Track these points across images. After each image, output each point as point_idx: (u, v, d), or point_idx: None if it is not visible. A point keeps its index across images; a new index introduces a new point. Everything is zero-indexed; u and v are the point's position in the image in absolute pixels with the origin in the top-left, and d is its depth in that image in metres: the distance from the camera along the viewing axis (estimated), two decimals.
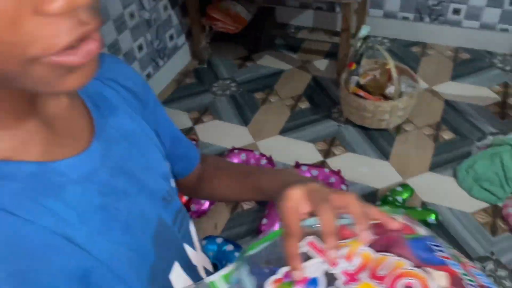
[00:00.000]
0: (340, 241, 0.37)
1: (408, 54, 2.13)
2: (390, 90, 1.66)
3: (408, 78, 1.72)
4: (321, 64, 2.15)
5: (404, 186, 1.44)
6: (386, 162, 1.60)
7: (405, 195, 1.41)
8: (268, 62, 2.21)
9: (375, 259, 0.37)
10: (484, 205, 1.42)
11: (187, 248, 0.49)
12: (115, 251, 0.37)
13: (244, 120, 1.87)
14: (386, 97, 1.71)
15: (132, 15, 1.77)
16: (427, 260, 0.37)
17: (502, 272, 1.24)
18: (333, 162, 1.63)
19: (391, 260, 0.36)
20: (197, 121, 1.89)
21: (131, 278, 0.38)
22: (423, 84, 1.93)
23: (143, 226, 0.42)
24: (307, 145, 1.72)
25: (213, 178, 0.60)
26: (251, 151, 1.61)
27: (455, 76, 1.97)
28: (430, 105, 1.83)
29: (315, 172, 1.49)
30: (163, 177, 0.47)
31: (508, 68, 1.98)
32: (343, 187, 1.44)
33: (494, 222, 1.37)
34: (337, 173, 1.49)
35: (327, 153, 1.67)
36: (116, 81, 0.46)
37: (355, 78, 1.73)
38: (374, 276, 0.36)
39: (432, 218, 1.26)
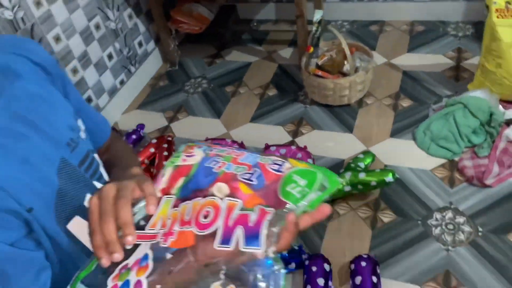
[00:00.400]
0: (154, 216, 0.47)
1: (367, 33, 2.24)
2: (347, 67, 1.76)
3: (363, 53, 1.82)
4: (286, 52, 2.25)
5: (366, 153, 1.54)
6: (350, 135, 1.70)
7: (367, 161, 1.51)
8: (236, 56, 2.31)
9: (180, 211, 0.46)
10: (442, 161, 1.52)
11: (98, 184, 0.61)
12: (10, 176, 0.48)
13: (217, 113, 1.97)
14: (345, 75, 1.81)
15: (98, 27, 1.87)
16: (209, 182, 0.47)
17: (460, 219, 1.34)
18: (302, 141, 1.72)
19: (189, 205, 0.46)
20: (172, 119, 1.99)
21: (29, 197, 0.49)
22: (381, 59, 2.04)
23: (45, 162, 0.53)
24: (277, 128, 1.81)
25: (105, 155, 0.72)
26: (223, 139, 1.71)
27: (412, 48, 2.07)
28: (389, 77, 1.93)
29: (283, 150, 1.59)
30: (69, 128, 0.59)
31: (461, 34, 2.09)
32: (310, 160, 1.53)
33: (452, 175, 1.47)
34: (303, 148, 1.59)
35: (295, 133, 1.77)
36: (26, 56, 0.58)
37: (314, 61, 1.83)
38: (183, 223, 0.45)
39: (389, 177, 1.36)
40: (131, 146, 0.75)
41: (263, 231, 0.42)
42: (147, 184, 0.49)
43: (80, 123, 0.62)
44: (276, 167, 0.48)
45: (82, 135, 0.61)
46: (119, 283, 0.43)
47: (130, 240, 0.44)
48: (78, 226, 0.56)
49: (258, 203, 0.44)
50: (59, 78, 0.62)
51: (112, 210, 0.45)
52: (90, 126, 0.67)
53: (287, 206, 0.44)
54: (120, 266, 0.44)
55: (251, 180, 0.47)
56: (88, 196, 0.58)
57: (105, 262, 0.43)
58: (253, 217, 0.43)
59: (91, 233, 0.45)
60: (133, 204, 0.47)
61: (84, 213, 0.56)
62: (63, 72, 0.65)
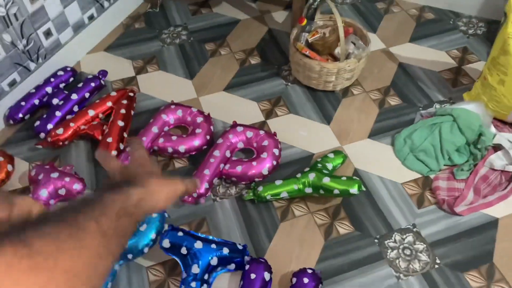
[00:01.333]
0: None
1: (372, 11, 2.02)
2: (338, 51, 1.58)
3: (359, 38, 1.63)
4: (280, 16, 2.03)
5: (337, 152, 1.41)
6: (327, 126, 1.55)
7: (337, 162, 1.38)
8: (225, 10, 2.08)
9: None
10: (416, 176, 1.40)
11: None
12: None
13: (190, 73, 1.78)
14: (336, 59, 1.63)
15: None
16: None
17: (419, 246, 1.24)
18: (274, 123, 1.57)
19: None
20: (140, 70, 1.80)
21: None
22: (379, 44, 1.85)
23: None
24: (251, 104, 1.65)
25: None
26: (189, 107, 1.55)
27: (415, 38, 1.88)
28: (383, 67, 1.76)
29: (250, 133, 1.44)
30: None
31: (471, 31, 1.89)
32: (275, 151, 1.39)
33: (422, 194, 1.36)
34: (273, 135, 1.44)
35: (269, 113, 1.61)
36: None
37: (305, 36, 1.63)
38: None
39: (355, 188, 1.24)
40: None
41: None
42: None
43: None
44: None
45: None
46: None
47: None
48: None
49: None
50: None
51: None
52: None
53: None
54: None
55: None
56: None
57: None
58: None
59: None
60: None
61: None
62: None
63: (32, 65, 1.63)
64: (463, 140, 1.42)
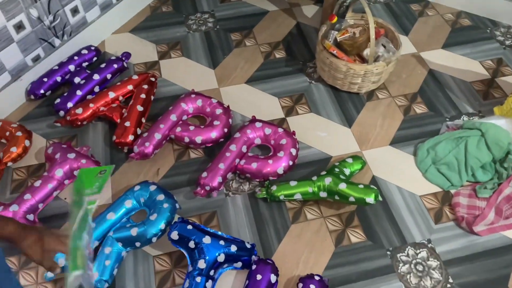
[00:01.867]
0: None
1: (406, 12, 1.95)
2: (367, 52, 1.53)
3: (390, 41, 1.57)
4: (310, 10, 1.98)
5: (356, 158, 1.37)
6: (348, 129, 1.51)
7: (355, 168, 1.34)
8: None
9: None
10: (436, 189, 1.36)
11: None
12: None
13: (213, 62, 1.75)
14: (364, 60, 1.58)
15: None
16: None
17: (433, 262, 1.20)
18: (294, 121, 1.54)
19: None
20: (164, 55, 1.78)
21: None
22: (411, 48, 1.78)
23: None
24: (272, 99, 1.62)
25: None
26: (209, 98, 1.52)
27: (449, 44, 1.80)
28: (411, 73, 1.70)
29: (268, 130, 1.42)
30: None
31: (508, 42, 1.81)
32: (293, 150, 1.36)
33: (441, 209, 1.31)
34: (291, 134, 1.41)
35: (290, 111, 1.58)
36: None
37: (333, 34, 1.58)
38: None
39: (371, 197, 1.20)
40: None
41: None
42: None
43: None
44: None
45: None
46: None
47: None
48: None
49: None
50: None
51: None
52: None
53: None
54: None
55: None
56: None
57: None
58: None
59: None
60: None
61: None
62: None
63: (57, 42, 1.63)
64: (489, 157, 1.36)
